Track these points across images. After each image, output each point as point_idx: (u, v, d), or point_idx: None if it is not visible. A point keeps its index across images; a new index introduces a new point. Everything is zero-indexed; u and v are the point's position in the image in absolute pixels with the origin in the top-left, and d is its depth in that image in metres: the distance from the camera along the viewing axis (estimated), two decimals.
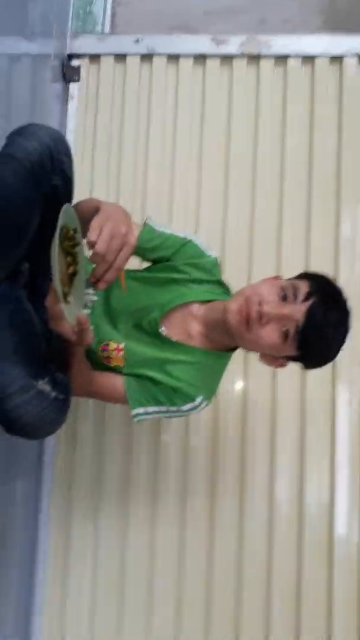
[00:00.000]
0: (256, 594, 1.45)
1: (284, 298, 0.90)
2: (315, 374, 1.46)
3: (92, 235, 0.78)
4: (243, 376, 1.52)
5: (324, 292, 0.90)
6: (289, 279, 0.97)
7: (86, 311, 1.04)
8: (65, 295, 0.81)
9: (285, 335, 0.89)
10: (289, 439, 1.49)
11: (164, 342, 1.02)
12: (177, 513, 1.49)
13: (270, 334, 0.90)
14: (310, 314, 0.87)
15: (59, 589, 1.51)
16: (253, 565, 1.45)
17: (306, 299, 0.89)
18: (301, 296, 0.89)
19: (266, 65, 1.62)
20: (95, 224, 0.79)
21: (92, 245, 0.78)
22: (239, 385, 1.52)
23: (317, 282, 0.93)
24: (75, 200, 0.99)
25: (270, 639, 1.42)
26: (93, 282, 0.81)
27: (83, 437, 1.55)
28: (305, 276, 0.96)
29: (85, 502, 1.53)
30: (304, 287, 0.91)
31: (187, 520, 1.48)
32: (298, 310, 0.88)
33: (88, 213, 0.86)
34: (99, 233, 0.78)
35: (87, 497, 1.53)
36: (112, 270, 0.81)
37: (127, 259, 0.82)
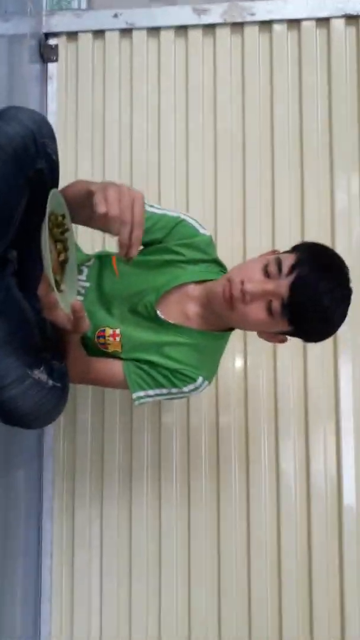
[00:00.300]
0: (266, 577, 1.45)
1: (268, 274, 0.88)
2: (316, 346, 1.46)
3: (100, 207, 0.74)
4: (243, 354, 1.51)
5: (312, 262, 0.88)
6: (283, 252, 0.95)
7: (79, 298, 1.02)
8: (58, 284, 0.79)
9: (275, 310, 0.87)
10: (293, 415, 1.48)
11: (161, 324, 1.00)
12: (182, 495, 1.49)
13: (256, 311, 0.89)
14: (295, 286, 0.85)
15: (65, 578, 1.53)
16: (261, 547, 1.46)
17: (290, 272, 0.86)
18: (285, 269, 0.87)
19: (250, 32, 1.57)
20: (97, 198, 0.75)
21: (104, 215, 0.74)
22: (239, 363, 1.51)
23: (307, 253, 0.90)
24: (61, 184, 0.96)
25: (283, 615, 1.44)
26: (124, 255, 0.77)
27: (82, 424, 1.54)
28: (295, 248, 0.94)
29: (88, 490, 1.53)
30: (289, 260, 0.88)
31: (193, 502, 1.48)
32: (282, 284, 0.86)
33: (79, 196, 0.83)
34: (105, 201, 0.75)
35: (90, 484, 1.53)
36: (135, 228, 0.77)
37: (143, 212, 0.79)
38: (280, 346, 1.48)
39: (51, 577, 1.53)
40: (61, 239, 0.83)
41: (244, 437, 1.49)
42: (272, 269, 0.88)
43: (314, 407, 1.48)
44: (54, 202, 0.78)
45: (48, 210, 0.75)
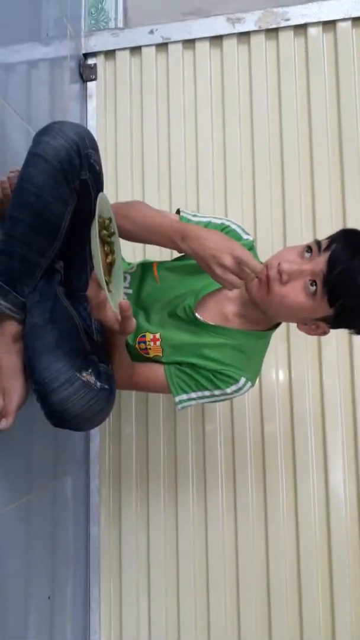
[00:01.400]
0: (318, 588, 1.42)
1: (308, 251, 0.88)
2: None
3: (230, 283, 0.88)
4: (287, 356, 1.49)
5: (346, 240, 0.87)
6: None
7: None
8: (107, 284, 0.81)
9: (313, 290, 0.86)
10: (339, 426, 1.45)
11: (201, 327, 1.01)
12: (228, 503, 1.48)
13: (294, 291, 0.88)
14: (332, 260, 0.84)
15: (114, 585, 1.54)
16: (312, 555, 1.43)
17: (327, 248, 0.86)
18: (324, 244, 0.87)
19: (285, 37, 1.57)
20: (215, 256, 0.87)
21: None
22: (283, 370, 1.49)
23: (339, 233, 0.90)
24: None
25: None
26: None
27: (127, 433, 1.57)
28: (329, 237, 0.93)
29: (134, 497, 1.54)
30: (325, 241, 0.89)
31: (239, 510, 1.47)
32: (320, 261, 0.86)
33: (152, 225, 0.95)
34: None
35: (136, 492, 1.54)
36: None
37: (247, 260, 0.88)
38: (326, 349, 1.46)
39: (99, 585, 1.55)
40: (108, 242, 0.85)
41: (290, 444, 1.47)
42: (313, 248, 0.88)
43: None
44: (102, 205, 0.80)
45: (97, 212, 0.77)
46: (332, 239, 0.88)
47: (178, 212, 1.08)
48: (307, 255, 0.89)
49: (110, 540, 1.56)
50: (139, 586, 1.52)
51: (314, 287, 0.86)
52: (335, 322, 0.91)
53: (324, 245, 0.88)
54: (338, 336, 1.45)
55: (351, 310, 0.88)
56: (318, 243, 0.88)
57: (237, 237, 1.04)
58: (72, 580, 1.42)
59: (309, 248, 0.89)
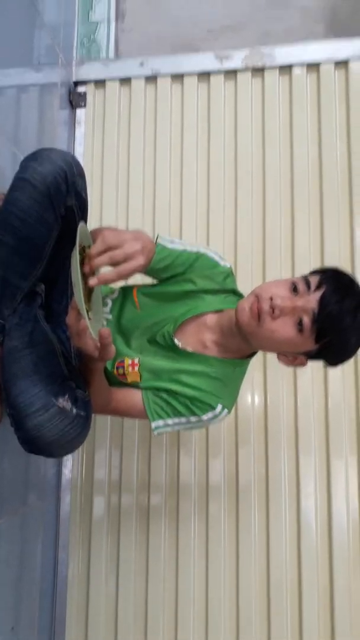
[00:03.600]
0: (287, 608, 1.41)
1: (296, 291, 0.89)
2: (336, 375, 1.45)
3: (103, 236, 0.82)
4: (263, 383, 1.51)
5: (336, 281, 0.89)
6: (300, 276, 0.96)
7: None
8: (87, 312, 0.82)
9: (301, 326, 0.88)
10: (312, 446, 1.46)
11: (180, 353, 1.02)
12: (200, 529, 1.48)
13: (284, 327, 0.89)
14: (324, 300, 0.86)
15: (80, 616, 1.51)
16: (282, 577, 1.42)
17: (318, 287, 0.88)
18: (313, 286, 0.88)
19: (271, 76, 1.63)
20: (121, 231, 0.82)
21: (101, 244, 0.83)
22: (259, 393, 1.51)
23: (329, 273, 0.92)
24: (88, 224, 1.00)
25: None
26: (87, 272, 0.82)
27: (101, 459, 1.55)
28: (315, 271, 0.95)
29: (105, 525, 1.52)
30: (314, 278, 0.90)
31: (210, 533, 1.46)
32: (311, 299, 0.87)
33: None
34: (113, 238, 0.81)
35: (107, 519, 1.52)
36: (112, 272, 0.82)
37: (131, 271, 0.84)
38: (301, 379, 1.48)
39: (65, 617, 1.50)
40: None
41: (264, 469, 1.48)
42: (301, 286, 0.89)
43: (335, 439, 1.46)
44: (82, 234, 0.81)
45: (78, 241, 0.78)
46: (323, 279, 0.89)
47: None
48: (294, 291, 0.90)
49: (78, 569, 1.52)
50: (107, 619, 1.48)
51: (302, 324, 0.88)
52: (316, 356, 0.94)
53: (313, 283, 0.89)
54: (313, 364, 1.47)
55: (334, 347, 0.91)
56: (306, 281, 0.90)
57: (214, 264, 1.05)
58: (38, 611, 1.38)
59: (295, 284, 0.90)
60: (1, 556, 1.14)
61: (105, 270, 0.86)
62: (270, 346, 0.96)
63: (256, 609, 1.42)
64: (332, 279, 0.89)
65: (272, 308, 0.88)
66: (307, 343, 0.90)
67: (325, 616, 1.39)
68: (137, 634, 1.46)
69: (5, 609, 1.17)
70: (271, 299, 0.88)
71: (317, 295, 0.87)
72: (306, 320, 0.87)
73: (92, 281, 0.80)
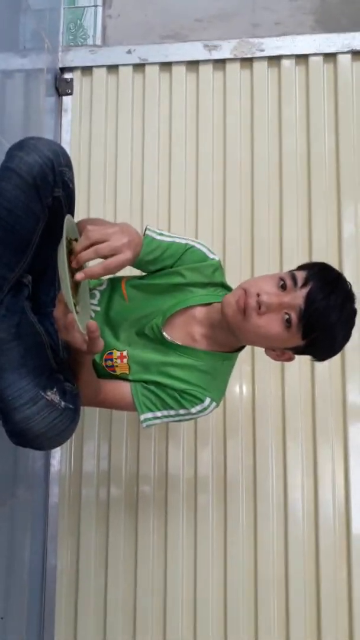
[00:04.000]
0: (274, 599, 1.43)
1: (283, 287, 0.89)
2: (323, 367, 1.46)
3: (88, 230, 0.79)
4: (251, 374, 1.52)
5: (322, 277, 0.89)
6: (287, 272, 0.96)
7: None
8: (75, 305, 0.81)
9: (289, 323, 0.88)
10: (300, 438, 1.48)
11: (168, 346, 1.01)
12: (189, 524, 1.49)
13: (271, 323, 0.89)
14: (310, 297, 0.87)
15: (68, 606, 1.51)
16: (269, 569, 1.44)
17: (305, 284, 0.88)
18: (300, 282, 0.88)
19: (259, 67, 1.62)
20: (104, 225, 0.79)
21: (86, 238, 0.80)
22: (247, 384, 1.52)
23: (315, 269, 0.92)
24: (76, 214, 0.99)
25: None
26: (74, 267, 0.80)
27: (89, 451, 1.55)
28: (302, 267, 0.95)
29: (94, 516, 1.52)
30: (301, 274, 0.90)
31: (199, 531, 1.48)
32: (298, 295, 0.87)
33: None
34: (98, 231, 0.79)
35: (96, 510, 1.52)
36: (99, 266, 0.80)
37: (118, 265, 0.82)
38: (288, 370, 1.49)
39: (54, 607, 1.51)
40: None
41: (251, 460, 1.49)
42: (288, 282, 0.89)
43: (322, 430, 1.47)
44: (68, 226, 0.80)
45: (64, 233, 0.77)
46: (309, 275, 0.89)
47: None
48: (281, 287, 0.90)
49: (67, 560, 1.53)
50: (96, 609, 1.49)
51: (290, 320, 0.88)
52: (303, 351, 0.94)
53: (299, 279, 0.89)
54: (301, 357, 1.49)
55: (321, 343, 0.91)
56: (293, 277, 0.90)
57: (203, 257, 1.05)
58: (27, 602, 1.38)
59: (283, 280, 0.90)
60: None
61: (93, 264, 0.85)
62: (257, 341, 0.97)
63: (244, 598, 1.44)
64: (318, 275, 0.90)
65: (259, 304, 0.88)
66: (294, 339, 0.90)
67: (312, 605, 1.42)
68: (125, 625, 1.48)
69: None
70: (258, 294, 0.88)
71: (303, 291, 0.87)
72: (293, 316, 0.88)
73: (79, 275, 0.79)
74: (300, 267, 0.95)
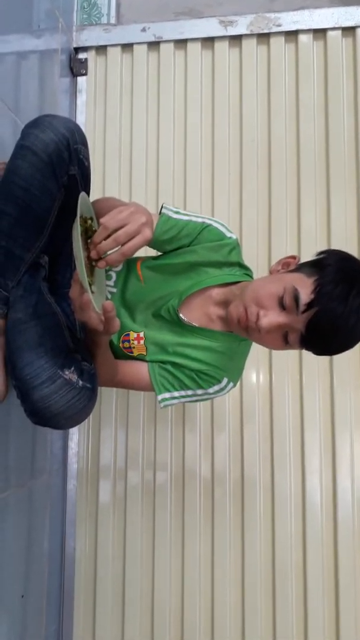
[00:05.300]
0: (291, 589, 1.43)
1: (284, 306, 0.86)
2: (343, 363, 1.44)
3: (106, 218, 0.77)
4: (268, 360, 1.51)
5: (325, 303, 0.83)
6: (304, 265, 0.92)
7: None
8: (90, 285, 0.80)
9: (289, 340, 0.88)
10: (318, 424, 1.47)
11: (185, 327, 1.01)
12: (206, 504, 1.49)
13: (271, 340, 0.90)
14: (312, 325, 0.84)
15: (88, 585, 1.53)
16: (287, 557, 1.44)
17: (307, 309, 0.84)
18: (302, 307, 0.84)
19: (276, 42, 1.59)
20: (116, 209, 0.78)
21: (103, 225, 0.77)
22: (264, 370, 1.51)
23: (329, 278, 0.85)
24: (91, 195, 0.98)
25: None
26: (94, 258, 0.79)
27: (106, 433, 1.56)
28: (319, 266, 0.88)
29: (111, 497, 1.54)
30: (307, 290, 0.84)
31: (216, 513, 1.48)
32: (299, 320, 0.85)
33: (107, 211, 0.84)
34: (114, 216, 0.78)
35: (113, 491, 1.54)
36: (118, 253, 0.78)
37: (137, 248, 0.79)
38: (306, 355, 1.47)
39: (74, 585, 1.53)
40: (89, 241, 0.84)
41: (268, 446, 1.48)
42: (288, 302, 0.86)
43: (341, 417, 1.46)
44: (83, 205, 0.79)
45: (78, 212, 0.76)
46: (311, 301, 0.84)
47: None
48: (288, 303, 0.86)
49: (86, 541, 1.54)
50: (114, 590, 1.51)
51: (293, 339, 0.88)
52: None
53: (303, 300, 0.84)
54: None
55: (324, 354, 0.92)
56: (296, 297, 0.85)
57: (221, 236, 1.02)
58: (47, 581, 1.40)
59: (285, 297, 0.86)
60: (10, 528, 1.15)
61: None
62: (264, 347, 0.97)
63: (262, 588, 1.44)
64: (325, 299, 0.83)
65: (259, 328, 0.87)
66: (295, 348, 0.91)
67: (330, 595, 1.41)
68: (143, 607, 1.49)
69: (15, 578, 1.19)
70: (257, 315, 0.87)
71: (305, 317, 0.84)
72: (292, 336, 0.87)
73: (101, 264, 0.79)
74: (315, 264, 0.90)
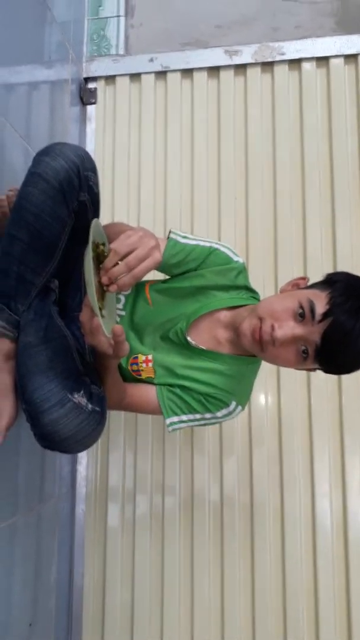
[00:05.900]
0: (302, 612, 1.40)
1: (302, 315, 0.87)
2: (350, 376, 1.43)
3: (116, 243, 0.78)
4: (276, 382, 1.50)
5: (340, 313, 0.84)
6: (315, 284, 0.94)
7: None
8: (100, 309, 0.81)
9: (305, 354, 0.87)
10: (327, 447, 1.45)
11: (193, 350, 1.01)
12: (215, 524, 1.47)
13: (287, 354, 0.89)
14: (327, 335, 0.84)
15: (96, 611, 1.51)
16: (297, 580, 1.41)
17: (323, 318, 0.85)
18: (318, 316, 0.85)
19: (280, 71, 1.62)
20: (125, 233, 0.79)
21: (113, 251, 0.78)
22: (272, 395, 1.50)
23: (340, 291, 0.87)
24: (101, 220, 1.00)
25: None
26: (105, 284, 0.80)
27: (115, 457, 1.55)
28: (328, 282, 0.91)
29: (119, 522, 1.52)
30: (322, 302, 0.86)
31: (226, 536, 1.46)
32: (314, 331, 0.85)
33: (116, 237, 0.86)
34: (124, 241, 0.79)
35: (122, 516, 1.52)
36: (128, 277, 0.79)
37: (147, 271, 0.81)
38: (315, 378, 1.47)
39: (81, 613, 1.50)
40: (101, 266, 0.85)
41: (277, 469, 1.47)
42: (306, 313, 0.86)
43: (350, 439, 1.44)
44: (95, 230, 0.81)
45: (91, 237, 0.77)
46: (326, 311, 0.85)
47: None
48: (300, 316, 0.87)
49: (94, 565, 1.52)
50: (123, 617, 1.48)
51: (307, 352, 0.87)
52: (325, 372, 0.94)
53: (318, 310, 0.85)
54: None
55: (337, 371, 0.94)
56: (312, 308, 0.86)
57: (228, 260, 1.04)
58: (55, 608, 1.38)
59: (301, 309, 0.87)
60: (18, 553, 1.14)
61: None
62: (277, 364, 0.97)
63: (272, 614, 1.41)
64: (338, 310, 0.84)
65: (273, 340, 0.87)
66: (310, 365, 0.90)
67: (342, 620, 1.38)
68: (152, 633, 1.46)
69: (23, 606, 1.18)
70: (272, 327, 0.87)
71: (321, 327, 0.85)
72: (310, 350, 0.87)
73: (112, 288, 0.79)
74: (326, 282, 0.91)
